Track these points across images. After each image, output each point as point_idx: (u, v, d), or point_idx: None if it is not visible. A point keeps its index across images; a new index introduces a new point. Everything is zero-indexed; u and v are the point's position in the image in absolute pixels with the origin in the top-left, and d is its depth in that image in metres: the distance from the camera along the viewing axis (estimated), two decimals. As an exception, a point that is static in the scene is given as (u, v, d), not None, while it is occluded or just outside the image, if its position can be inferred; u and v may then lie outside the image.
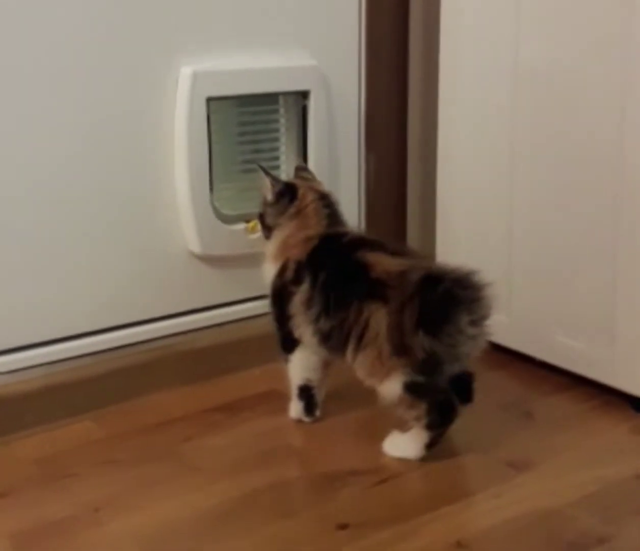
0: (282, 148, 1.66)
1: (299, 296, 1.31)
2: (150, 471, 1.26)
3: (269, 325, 1.58)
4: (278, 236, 1.38)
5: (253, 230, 1.54)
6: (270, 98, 1.62)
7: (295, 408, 1.39)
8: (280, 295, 1.35)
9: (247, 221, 1.54)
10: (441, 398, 1.25)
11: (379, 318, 1.23)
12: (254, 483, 1.22)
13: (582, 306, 1.47)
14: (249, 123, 1.63)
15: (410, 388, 1.22)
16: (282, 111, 1.64)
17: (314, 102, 1.62)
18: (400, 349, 1.21)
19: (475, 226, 1.64)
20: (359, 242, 1.32)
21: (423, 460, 1.28)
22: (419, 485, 1.23)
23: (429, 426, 1.25)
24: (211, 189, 1.54)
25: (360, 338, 1.25)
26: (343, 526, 1.12)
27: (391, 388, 1.23)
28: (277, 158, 1.65)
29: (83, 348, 1.45)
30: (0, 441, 1.32)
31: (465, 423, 1.38)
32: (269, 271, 1.38)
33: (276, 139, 1.65)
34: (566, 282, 1.49)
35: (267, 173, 1.40)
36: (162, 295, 1.52)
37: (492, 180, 1.60)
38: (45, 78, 1.36)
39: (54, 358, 1.42)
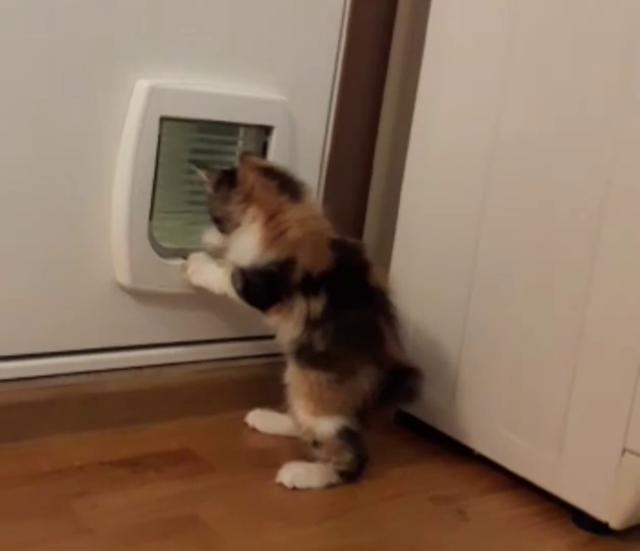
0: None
1: (305, 304, 1.29)
2: (32, 528, 1.09)
3: (190, 375, 1.47)
4: (254, 221, 1.31)
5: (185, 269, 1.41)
6: (229, 128, 1.49)
7: None
8: (270, 278, 1.30)
9: (185, 258, 1.41)
10: (364, 456, 1.32)
11: (369, 375, 1.30)
12: (149, 557, 1.07)
13: (534, 404, 1.37)
14: (202, 151, 1.48)
15: (347, 434, 1.29)
16: (240, 143, 1.51)
17: (277, 140, 1.49)
18: (362, 406, 1.30)
19: (430, 302, 1.52)
20: (381, 303, 1.33)
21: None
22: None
23: (344, 474, 1.31)
24: (151, 217, 1.39)
25: (343, 374, 1.29)
26: None
27: (325, 426, 1.29)
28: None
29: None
30: None
31: (393, 514, 1.28)
32: (245, 250, 1.31)
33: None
34: (520, 374, 1.38)
35: (199, 166, 1.36)
36: (76, 326, 1.36)
37: (455, 248, 1.48)
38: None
39: None
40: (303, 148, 1.55)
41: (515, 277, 1.38)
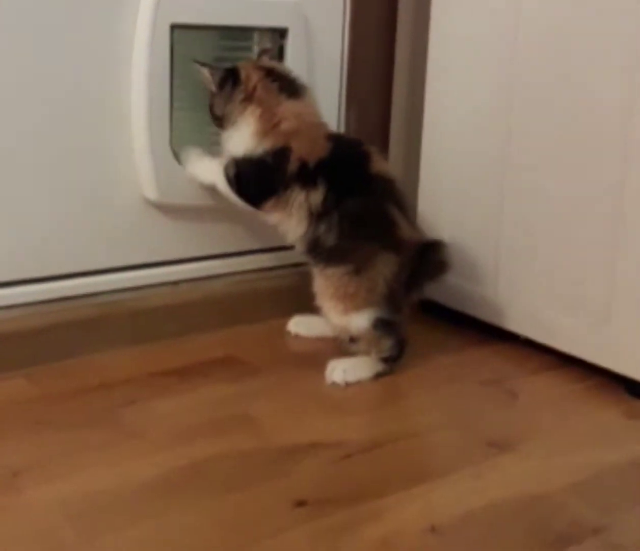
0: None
1: (303, 197, 1.28)
2: (84, 436, 1.10)
3: (229, 286, 1.46)
4: (247, 118, 1.30)
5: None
6: (243, 33, 1.46)
7: None
8: (262, 168, 1.29)
9: None
10: (403, 339, 1.32)
11: (387, 262, 1.27)
12: (202, 453, 1.07)
13: (578, 280, 1.34)
14: (217, 59, 1.44)
15: (382, 324, 1.28)
16: (255, 48, 1.48)
17: (292, 43, 1.47)
18: (390, 294, 1.28)
19: (462, 194, 1.50)
20: (387, 189, 1.30)
21: (393, 435, 1.14)
22: (388, 462, 1.09)
23: (388, 359, 1.31)
24: (171, 130, 1.38)
25: (360, 264, 1.26)
26: (300, 503, 0.98)
27: (358, 321, 1.28)
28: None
29: (21, 296, 1.28)
30: None
31: (443, 398, 1.27)
32: (240, 142, 1.31)
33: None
34: (560, 256, 1.36)
35: (203, 64, 1.34)
36: (113, 245, 1.36)
37: (484, 144, 1.45)
38: None
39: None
40: (320, 51, 1.52)
41: (550, 158, 1.35)
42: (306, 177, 1.28)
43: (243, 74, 1.32)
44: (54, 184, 1.30)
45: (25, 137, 1.26)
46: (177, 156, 1.38)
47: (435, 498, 1.00)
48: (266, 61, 1.38)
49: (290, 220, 1.30)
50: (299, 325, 1.45)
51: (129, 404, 1.19)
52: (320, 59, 1.52)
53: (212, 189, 1.38)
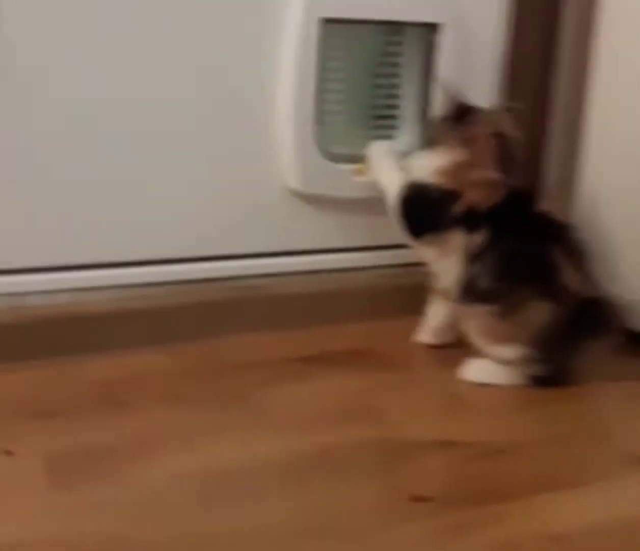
0: (404, 86, 1.48)
1: (463, 240, 1.24)
2: (214, 414, 1.13)
3: (370, 280, 1.45)
4: (447, 154, 1.26)
5: (362, 172, 1.40)
6: (393, 28, 1.45)
7: None
8: (429, 199, 1.26)
9: (357, 162, 1.40)
10: (561, 366, 1.23)
11: (540, 310, 1.19)
12: (327, 441, 1.07)
13: None
14: (368, 54, 1.44)
15: (528, 361, 1.22)
16: (406, 44, 1.46)
17: (445, 40, 1.43)
18: (540, 343, 1.20)
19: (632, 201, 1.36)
20: (554, 232, 1.23)
21: (527, 440, 1.09)
22: (519, 465, 1.04)
23: (537, 380, 1.23)
24: (318, 122, 1.39)
25: (507, 310, 1.20)
26: (419, 499, 0.96)
27: (506, 353, 1.22)
28: (395, 97, 1.48)
29: (167, 274, 1.33)
30: (70, 360, 1.23)
31: (588, 408, 1.20)
32: (424, 170, 1.27)
33: (396, 75, 1.47)
34: None
35: (444, 86, 1.31)
36: (256, 231, 1.39)
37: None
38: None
39: (135, 280, 1.31)
40: (475, 51, 1.47)
41: None
42: (471, 221, 1.24)
43: (474, 117, 1.27)
44: (204, 172, 1.34)
45: (181, 127, 1.31)
46: (324, 150, 1.39)
47: (560, 508, 0.95)
48: (505, 123, 1.29)
49: (446, 260, 1.27)
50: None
51: (261, 387, 1.20)
52: (475, 59, 1.47)
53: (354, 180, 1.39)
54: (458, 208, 1.24)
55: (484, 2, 1.48)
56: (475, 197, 1.23)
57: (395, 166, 1.35)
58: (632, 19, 1.36)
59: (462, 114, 1.28)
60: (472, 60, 1.47)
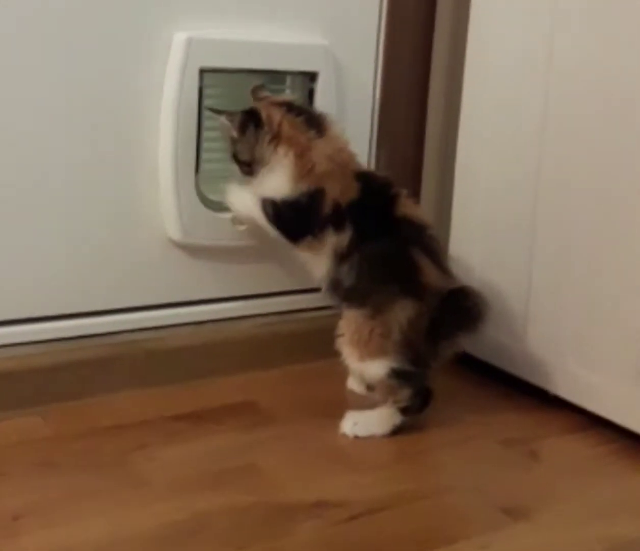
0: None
1: (333, 239, 1.27)
2: (91, 481, 1.10)
3: (250, 329, 1.45)
4: (284, 158, 1.27)
5: (240, 221, 1.39)
6: (275, 77, 1.45)
7: None
8: (299, 210, 1.27)
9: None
10: (424, 385, 1.27)
11: (405, 307, 1.23)
12: (206, 506, 1.06)
13: (609, 338, 1.29)
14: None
15: (397, 375, 1.25)
16: (287, 92, 1.47)
17: (322, 86, 1.46)
18: (406, 342, 1.24)
19: (493, 241, 1.47)
20: (413, 233, 1.27)
21: (402, 496, 1.11)
22: (395, 525, 1.06)
23: (406, 410, 1.27)
24: (197, 171, 1.38)
25: (375, 309, 1.24)
26: (296, 567, 0.96)
27: (373, 369, 1.25)
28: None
29: (36, 334, 1.29)
30: None
31: (460, 458, 1.23)
32: (275, 185, 1.28)
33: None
34: (592, 309, 1.31)
35: (218, 112, 1.33)
36: (133, 284, 1.36)
37: (515, 191, 1.42)
38: (28, 39, 1.22)
39: (4, 341, 1.27)
40: (351, 93, 1.51)
41: (581, 208, 1.31)
42: (338, 218, 1.27)
43: (264, 114, 1.29)
44: (76, 219, 1.30)
45: (53, 170, 1.27)
46: (203, 199, 1.38)
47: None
48: (276, 96, 1.35)
49: (318, 259, 1.29)
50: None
51: (139, 450, 1.18)
52: (351, 100, 1.51)
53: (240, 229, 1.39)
54: (326, 208, 1.26)
55: (357, 50, 1.52)
56: (335, 191, 1.26)
57: (247, 192, 1.34)
58: (494, 75, 1.44)
59: (247, 122, 1.29)
60: (348, 103, 1.50)
